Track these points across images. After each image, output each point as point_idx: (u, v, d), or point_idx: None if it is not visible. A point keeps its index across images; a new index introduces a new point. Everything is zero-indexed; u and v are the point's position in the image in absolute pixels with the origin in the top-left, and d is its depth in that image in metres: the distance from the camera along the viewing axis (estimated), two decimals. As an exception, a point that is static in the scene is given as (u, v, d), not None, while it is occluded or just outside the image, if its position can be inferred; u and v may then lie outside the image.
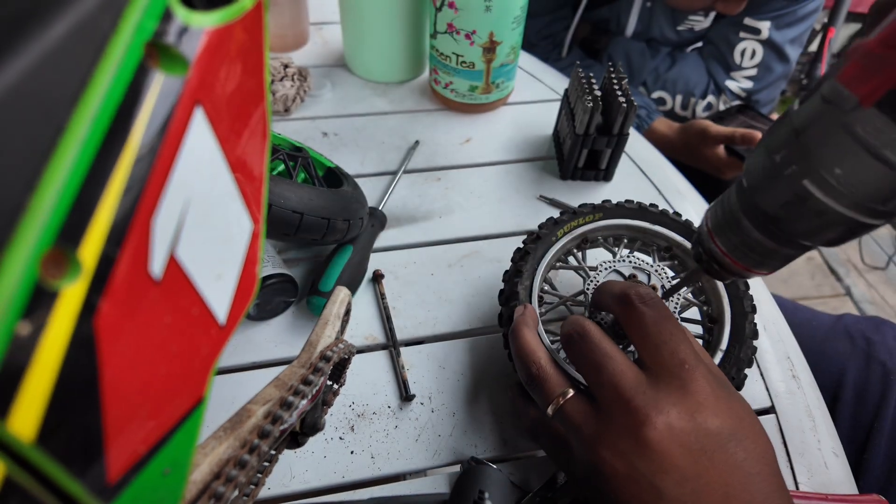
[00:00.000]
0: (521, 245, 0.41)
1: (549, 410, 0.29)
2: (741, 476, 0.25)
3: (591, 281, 0.37)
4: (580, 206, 0.42)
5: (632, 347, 0.34)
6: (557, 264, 0.41)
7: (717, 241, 0.26)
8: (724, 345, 0.36)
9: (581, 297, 0.39)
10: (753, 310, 0.37)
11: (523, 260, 0.39)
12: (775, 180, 0.22)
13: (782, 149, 0.22)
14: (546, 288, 0.40)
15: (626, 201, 0.42)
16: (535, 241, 0.40)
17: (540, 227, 0.41)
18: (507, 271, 0.40)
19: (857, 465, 0.45)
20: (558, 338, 0.37)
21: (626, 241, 0.42)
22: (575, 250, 0.42)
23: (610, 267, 0.38)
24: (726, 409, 0.26)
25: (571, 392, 0.29)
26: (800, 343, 0.45)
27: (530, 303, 0.37)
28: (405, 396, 0.39)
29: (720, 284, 0.38)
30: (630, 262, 0.38)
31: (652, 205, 0.42)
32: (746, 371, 0.36)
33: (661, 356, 0.27)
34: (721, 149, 0.83)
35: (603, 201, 0.42)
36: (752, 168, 0.24)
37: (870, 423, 0.47)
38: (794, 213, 0.22)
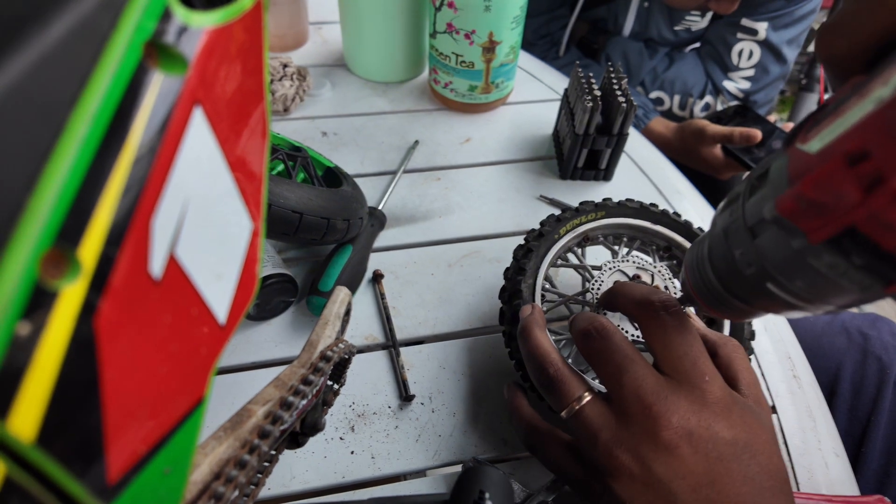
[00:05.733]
0: (524, 242, 0.40)
1: (564, 414, 0.29)
2: (754, 488, 0.25)
3: (596, 281, 0.37)
4: (581, 203, 0.42)
5: None
6: (558, 262, 0.41)
7: (691, 283, 0.26)
8: None
9: (582, 297, 0.39)
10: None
11: (526, 257, 0.39)
12: (739, 275, 0.21)
13: (740, 246, 0.21)
14: (546, 286, 0.40)
15: (628, 200, 0.42)
16: (538, 238, 0.40)
17: (542, 223, 0.41)
18: (508, 268, 0.40)
19: (855, 459, 0.46)
20: (560, 337, 0.37)
21: (625, 239, 0.42)
22: (575, 248, 0.42)
23: (614, 267, 0.37)
24: (741, 423, 0.26)
25: (589, 395, 0.29)
26: (797, 338, 0.45)
27: (534, 301, 0.37)
28: (405, 396, 0.39)
29: None
30: (633, 262, 0.38)
31: (652, 204, 0.42)
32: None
33: (683, 366, 0.27)
34: (718, 149, 0.83)
35: (604, 199, 0.42)
36: (715, 250, 0.23)
37: (867, 416, 0.47)
38: (762, 303, 0.21)
